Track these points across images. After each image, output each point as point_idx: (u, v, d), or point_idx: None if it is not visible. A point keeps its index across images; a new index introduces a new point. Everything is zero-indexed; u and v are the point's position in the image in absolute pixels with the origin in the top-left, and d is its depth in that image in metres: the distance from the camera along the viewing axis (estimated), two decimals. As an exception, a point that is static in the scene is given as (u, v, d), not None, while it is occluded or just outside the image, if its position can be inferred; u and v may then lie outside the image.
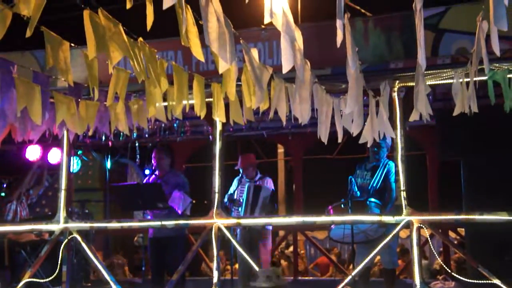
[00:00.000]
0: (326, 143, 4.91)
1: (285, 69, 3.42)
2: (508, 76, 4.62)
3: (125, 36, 3.58)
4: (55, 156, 7.42)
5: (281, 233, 9.18)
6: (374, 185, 6.35)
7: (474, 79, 4.27)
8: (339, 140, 4.75)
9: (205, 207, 6.12)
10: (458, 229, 7.64)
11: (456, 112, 4.57)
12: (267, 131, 7.50)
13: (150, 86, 4.35)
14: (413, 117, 4.68)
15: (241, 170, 6.99)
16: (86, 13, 3.42)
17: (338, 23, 3.20)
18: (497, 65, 4.66)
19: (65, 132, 6.08)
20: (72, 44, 3.83)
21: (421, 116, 4.45)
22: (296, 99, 4.36)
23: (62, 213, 6.20)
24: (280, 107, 4.59)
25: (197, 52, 3.49)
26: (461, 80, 4.56)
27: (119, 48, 3.53)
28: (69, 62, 3.81)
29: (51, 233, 6.30)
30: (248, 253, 5.87)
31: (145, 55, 3.85)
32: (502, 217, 5.13)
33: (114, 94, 4.39)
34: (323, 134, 4.78)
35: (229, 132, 6.63)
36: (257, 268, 5.68)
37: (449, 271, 5.52)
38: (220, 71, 3.75)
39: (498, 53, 3.16)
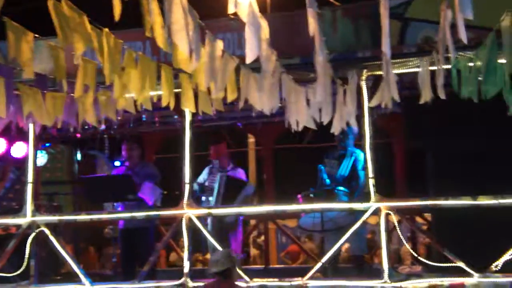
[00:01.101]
0: (294, 131, 4.94)
1: (249, 59, 3.44)
2: (469, 64, 4.68)
3: (88, 27, 3.54)
4: (20, 149, 7.29)
5: (252, 222, 9.19)
6: (342, 173, 6.43)
7: (438, 67, 4.33)
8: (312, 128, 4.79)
9: (175, 198, 6.10)
10: (425, 214, 7.74)
11: (422, 100, 4.63)
12: (236, 121, 7.48)
13: (117, 77, 4.32)
14: (374, 102, 4.74)
15: (213, 161, 6.97)
16: (50, 4, 3.39)
17: (310, 12, 3.22)
18: (461, 53, 4.72)
19: (31, 125, 6.00)
20: (37, 36, 3.77)
21: (385, 104, 4.50)
22: (263, 89, 4.37)
23: (29, 207, 6.13)
24: (250, 97, 4.61)
25: (162, 43, 3.48)
26: (430, 68, 4.62)
27: (83, 39, 3.50)
28: (32, 53, 3.76)
29: (18, 226, 6.22)
30: (219, 243, 5.87)
31: (110, 45, 3.82)
32: (466, 201, 5.25)
33: (83, 86, 4.34)
34: (293, 123, 4.80)
35: (199, 122, 6.59)
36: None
37: (416, 255, 5.60)
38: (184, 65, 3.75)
39: (465, 40, 3.21)
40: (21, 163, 6.99)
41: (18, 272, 6.00)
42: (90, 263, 9.87)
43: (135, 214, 6.24)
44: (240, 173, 7.01)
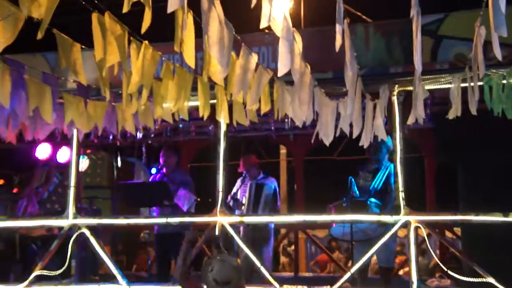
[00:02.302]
0: (328, 144, 4.91)
1: (281, 72, 3.43)
2: (503, 81, 4.62)
3: (126, 40, 3.57)
4: (64, 154, 7.42)
5: (283, 231, 9.16)
6: (376, 186, 6.37)
7: (472, 84, 4.27)
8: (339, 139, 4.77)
9: (209, 205, 6.11)
10: (454, 229, 7.61)
11: (450, 115, 4.58)
12: (269, 132, 7.49)
13: (155, 87, 4.36)
14: (411, 120, 4.68)
15: (244, 172, 7.00)
16: (94, 16, 3.42)
17: (338, 28, 3.21)
18: (494, 70, 4.65)
19: (74, 131, 6.11)
20: (83, 46, 3.83)
21: (418, 119, 4.46)
22: (296, 102, 4.36)
23: (71, 209, 6.20)
24: (283, 109, 4.60)
25: (189, 58, 3.47)
26: (462, 85, 4.58)
27: (120, 51, 3.53)
28: (81, 63, 3.82)
29: (60, 228, 6.30)
30: (251, 250, 5.86)
31: (146, 57, 3.85)
32: (497, 217, 5.13)
33: (128, 95, 4.38)
34: (323, 136, 4.78)
35: (233, 132, 6.61)
36: (259, 265, 5.67)
37: (445, 269, 5.49)
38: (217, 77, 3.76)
39: (500, 57, 3.15)
40: (64, 167, 7.11)
41: (60, 271, 6.09)
42: (127, 265, 9.95)
43: (170, 220, 6.28)
44: (269, 181, 7.01)
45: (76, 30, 3.81)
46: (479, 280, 5.09)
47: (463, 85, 4.55)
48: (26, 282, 6.07)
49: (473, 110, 4.35)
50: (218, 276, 3.74)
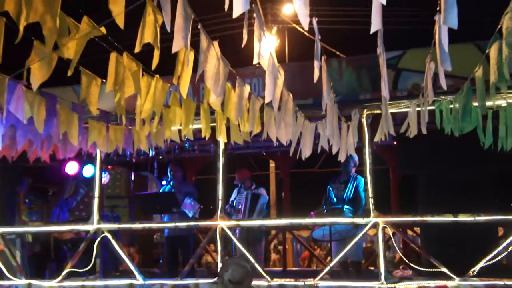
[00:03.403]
0: (304, 159, 4.91)
1: (267, 100, 3.42)
2: (450, 106, 4.67)
3: (140, 74, 3.59)
4: (89, 170, 7.43)
5: (273, 232, 9.12)
6: (348, 195, 6.40)
7: (423, 108, 4.32)
8: (306, 156, 4.77)
9: (210, 212, 6.10)
10: (414, 228, 7.61)
11: (410, 134, 4.62)
12: (260, 149, 7.51)
13: (164, 113, 4.36)
14: (377, 137, 4.73)
15: (239, 184, 7.02)
16: (113, 55, 3.45)
17: (316, 63, 3.23)
18: (443, 97, 4.70)
19: (98, 151, 6.11)
20: (103, 80, 3.86)
21: (384, 136, 4.50)
22: (280, 124, 4.37)
23: (95, 216, 6.18)
24: (271, 130, 4.62)
25: (184, 89, 3.46)
26: (417, 109, 4.61)
27: (134, 84, 3.54)
28: (97, 96, 3.79)
29: (87, 232, 6.27)
30: (246, 249, 5.86)
31: (157, 88, 3.86)
32: (449, 218, 5.17)
33: (140, 120, 4.38)
34: (303, 152, 4.78)
35: (230, 150, 6.63)
36: (253, 261, 5.66)
37: (407, 262, 5.50)
38: (214, 104, 3.78)
39: (445, 87, 3.20)
40: (89, 181, 7.11)
41: (87, 268, 6.05)
42: (142, 262, 9.87)
43: (178, 224, 6.26)
44: (262, 191, 7.02)
45: (101, 67, 3.83)
46: (435, 270, 5.12)
47: (418, 109, 4.60)
48: (59, 278, 6.06)
49: (424, 130, 4.38)
50: (232, 276, 3.72)
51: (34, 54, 3.09)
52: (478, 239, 5.24)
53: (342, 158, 4.97)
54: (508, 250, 5.08)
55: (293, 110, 4.31)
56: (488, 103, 4.35)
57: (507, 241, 5.05)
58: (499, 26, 2.84)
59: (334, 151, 4.86)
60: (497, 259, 5.08)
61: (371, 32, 2.53)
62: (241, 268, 3.81)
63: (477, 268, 5.07)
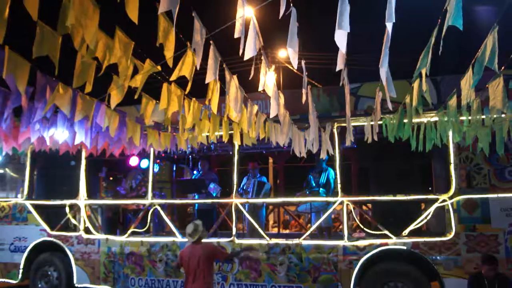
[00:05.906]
0: (295, 156, 4.94)
1: (272, 115, 3.48)
2: (391, 122, 4.71)
3: (182, 97, 3.59)
4: (145, 163, 7.47)
5: (271, 207, 9.11)
6: (322, 181, 6.42)
7: (372, 123, 4.36)
8: (303, 155, 4.80)
9: (228, 193, 6.13)
10: (368, 204, 7.58)
11: (367, 140, 4.66)
12: (263, 150, 7.54)
13: (197, 124, 4.41)
14: (347, 143, 4.76)
15: (250, 171, 7.04)
16: (165, 85, 3.49)
17: (303, 91, 3.29)
18: (388, 115, 4.74)
19: (152, 150, 6.18)
20: (157, 101, 3.90)
21: (350, 142, 4.54)
22: (280, 132, 4.40)
23: (149, 194, 6.25)
24: (272, 136, 4.66)
25: (214, 108, 3.48)
26: (370, 123, 4.66)
27: (178, 104, 3.59)
28: (150, 114, 3.80)
29: (144, 205, 6.34)
30: (252, 218, 5.90)
31: (194, 107, 3.91)
32: (390, 197, 5.21)
33: (183, 129, 4.41)
34: (296, 152, 4.82)
35: (242, 150, 6.68)
36: (258, 228, 5.68)
37: (362, 227, 5.52)
38: (233, 118, 3.78)
39: (390, 108, 3.25)
40: (145, 171, 7.16)
41: (144, 229, 6.10)
42: (180, 227, 9.82)
43: (205, 200, 6.30)
44: (264, 179, 7.04)
45: (155, 92, 3.85)
46: (380, 232, 5.16)
47: (371, 123, 4.64)
48: (126, 235, 6.16)
49: (375, 137, 4.46)
50: (188, 230, 4.12)
51: (113, 84, 3.18)
52: (408, 211, 5.25)
53: (323, 156, 4.99)
54: (427, 219, 5.10)
55: (289, 123, 4.34)
56: (415, 120, 4.42)
57: (426, 213, 5.08)
58: (418, 66, 2.87)
59: (314, 151, 4.89)
60: (419, 224, 5.13)
61: (336, 70, 2.61)
62: (193, 225, 4.13)
63: (407, 231, 5.10)
